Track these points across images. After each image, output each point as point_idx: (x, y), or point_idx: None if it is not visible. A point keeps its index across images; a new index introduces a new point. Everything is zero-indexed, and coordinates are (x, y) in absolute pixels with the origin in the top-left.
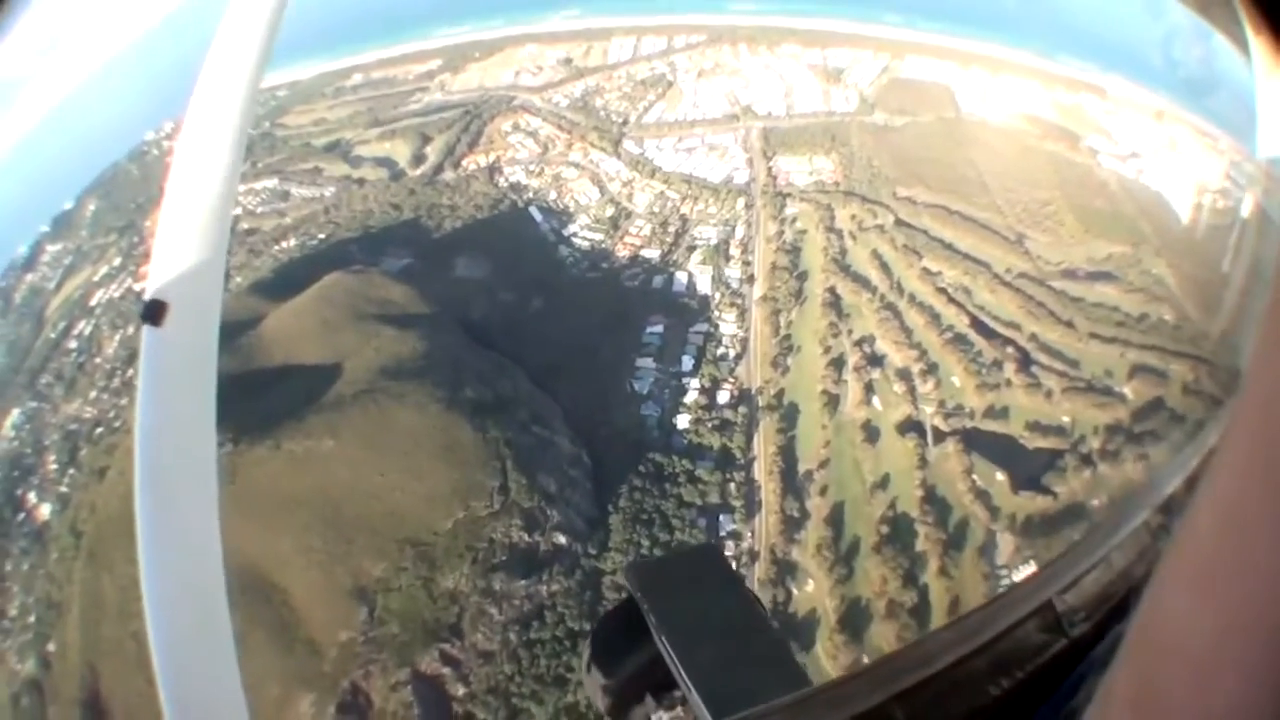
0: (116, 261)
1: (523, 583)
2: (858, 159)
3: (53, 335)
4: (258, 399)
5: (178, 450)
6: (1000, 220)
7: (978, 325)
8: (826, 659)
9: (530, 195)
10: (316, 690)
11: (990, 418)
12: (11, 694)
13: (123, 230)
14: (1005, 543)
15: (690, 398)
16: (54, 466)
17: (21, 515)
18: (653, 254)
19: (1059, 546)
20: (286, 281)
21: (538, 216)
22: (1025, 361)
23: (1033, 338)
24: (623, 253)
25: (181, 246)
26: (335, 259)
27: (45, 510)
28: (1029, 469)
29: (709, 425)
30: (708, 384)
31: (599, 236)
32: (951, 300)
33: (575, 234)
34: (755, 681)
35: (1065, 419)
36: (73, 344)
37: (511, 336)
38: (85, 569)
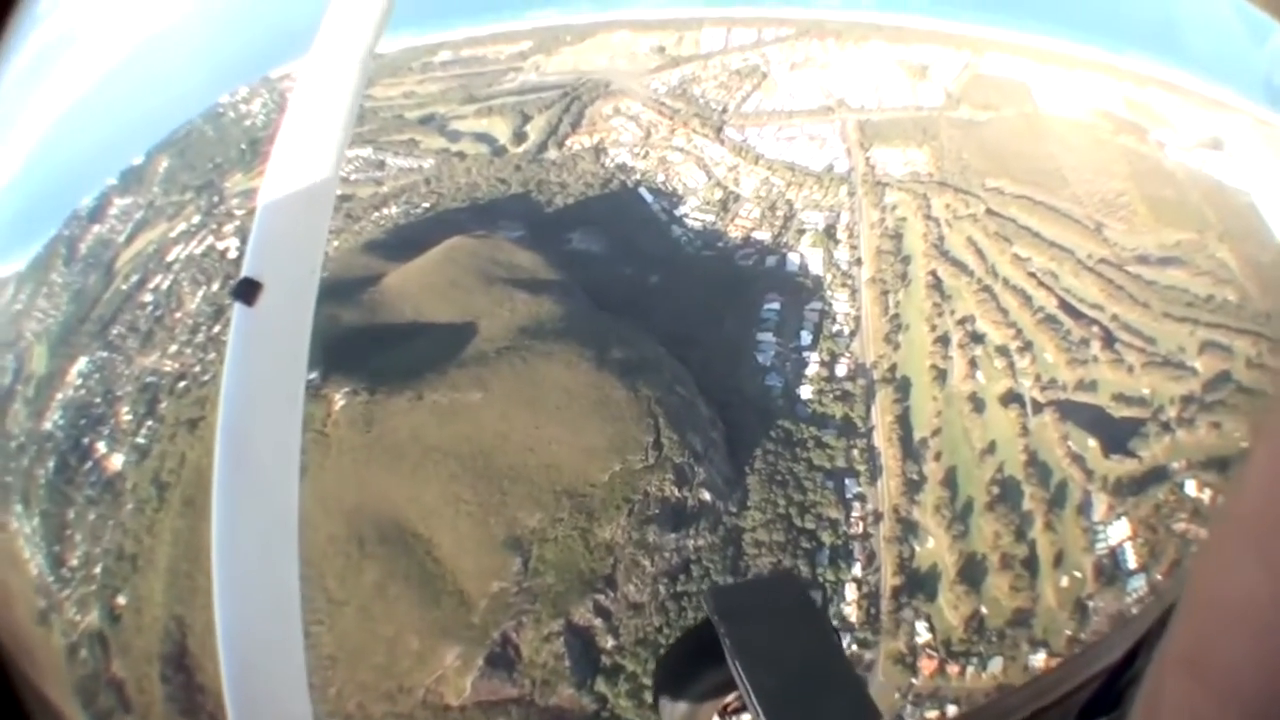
0: (195, 219)
1: (673, 536)
2: (948, 151)
3: (124, 287)
4: (389, 352)
5: (262, 438)
6: (1080, 210)
7: (1065, 307)
8: (949, 609)
9: (638, 176)
10: (464, 642)
11: (1081, 390)
12: (68, 644)
13: (200, 189)
14: (1100, 501)
15: (811, 370)
16: (128, 417)
17: (89, 464)
18: (764, 235)
19: (1146, 506)
20: (399, 244)
21: (648, 197)
22: (1109, 339)
23: (1114, 318)
24: (734, 233)
25: (282, 225)
26: (448, 226)
27: (117, 461)
28: (1117, 435)
29: (831, 395)
30: (826, 358)
31: (710, 217)
32: (1041, 284)
33: (686, 215)
34: (828, 716)
35: (1146, 390)
36: (148, 297)
37: (636, 307)
38: (178, 519)
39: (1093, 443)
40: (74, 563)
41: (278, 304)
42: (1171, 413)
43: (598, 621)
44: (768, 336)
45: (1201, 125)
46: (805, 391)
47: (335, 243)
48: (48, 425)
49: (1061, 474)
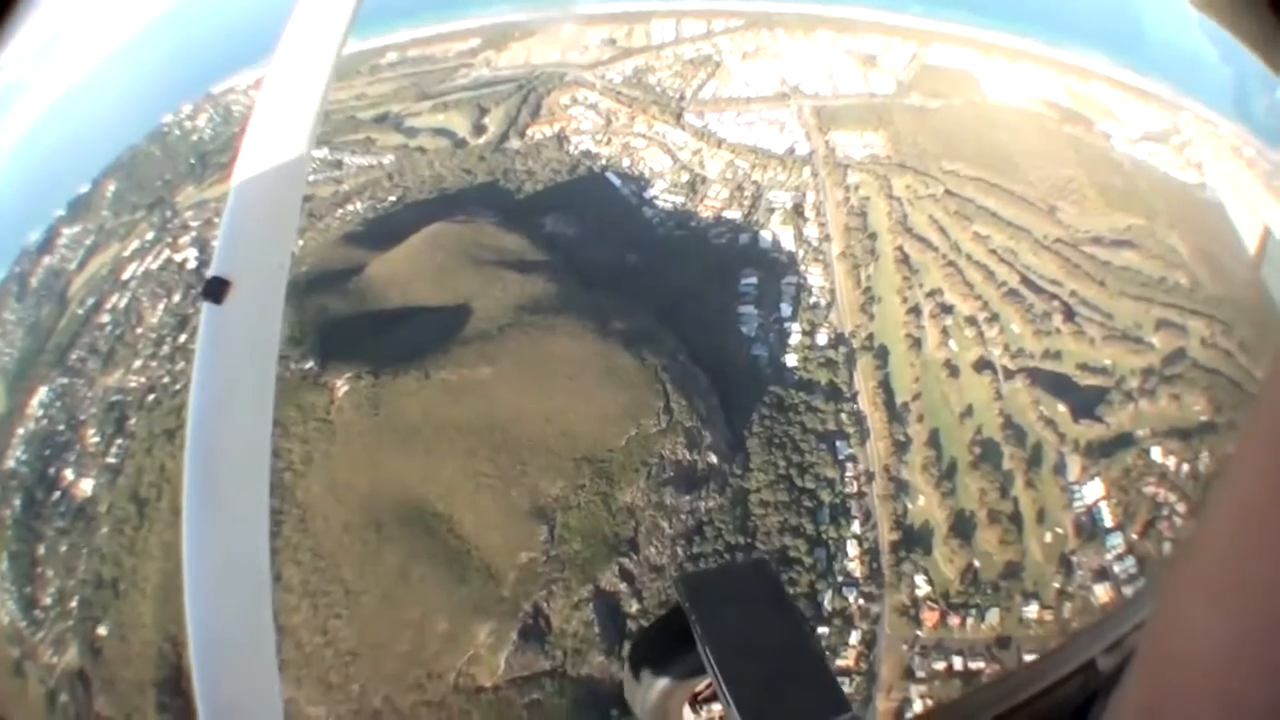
0: (149, 236)
1: (687, 498)
2: (904, 136)
3: (80, 312)
4: (388, 335)
5: (233, 433)
6: (1033, 193)
7: (1027, 282)
8: (944, 563)
9: (604, 162)
10: (495, 617)
11: (1047, 359)
12: (47, 691)
13: (151, 206)
14: (1073, 463)
15: (794, 339)
16: (95, 439)
17: (57, 494)
18: (734, 215)
19: (1116, 468)
20: (377, 235)
21: (616, 181)
22: (1069, 313)
23: (1073, 293)
24: (705, 214)
25: (251, 222)
26: (421, 215)
27: (86, 486)
28: (1084, 402)
29: (815, 363)
30: (807, 328)
31: (680, 199)
32: (1002, 260)
33: (656, 197)
34: (798, 704)
35: (1108, 361)
36: (105, 318)
37: (619, 284)
38: (167, 530)
39: (1062, 408)
40: (47, 601)
41: (247, 300)
42: (1133, 383)
43: (623, 586)
44: (749, 309)
45: (1144, 119)
46: (791, 359)
47: (301, 242)
48: (10, 463)
49: (1036, 436)
